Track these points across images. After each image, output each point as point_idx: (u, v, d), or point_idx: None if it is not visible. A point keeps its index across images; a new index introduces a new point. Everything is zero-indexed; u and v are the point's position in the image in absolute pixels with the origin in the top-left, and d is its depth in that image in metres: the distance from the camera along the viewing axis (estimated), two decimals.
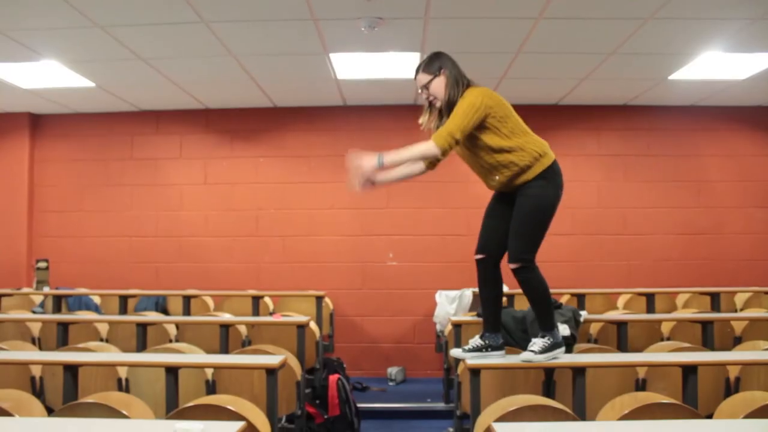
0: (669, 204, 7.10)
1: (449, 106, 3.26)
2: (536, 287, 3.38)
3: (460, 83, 3.29)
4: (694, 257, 7.06)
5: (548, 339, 3.31)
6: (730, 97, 6.67)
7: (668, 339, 4.78)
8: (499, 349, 3.41)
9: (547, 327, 3.35)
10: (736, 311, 5.97)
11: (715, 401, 3.38)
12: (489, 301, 3.49)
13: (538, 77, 6.08)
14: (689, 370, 3.33)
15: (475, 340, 3.43)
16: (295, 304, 6.11)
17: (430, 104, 3.39)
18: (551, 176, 3.35)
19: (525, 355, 3.32)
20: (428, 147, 3.18)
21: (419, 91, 3.37)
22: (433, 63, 3.32)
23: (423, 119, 3.46)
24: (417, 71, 3.36)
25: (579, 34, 4.93)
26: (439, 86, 3.30)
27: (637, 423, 2.69)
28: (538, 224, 3.32)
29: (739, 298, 6.12)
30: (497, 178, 3.35)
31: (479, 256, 3.42)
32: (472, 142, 3.30)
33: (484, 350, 3.39)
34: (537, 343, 3.31)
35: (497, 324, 3.45)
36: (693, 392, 3.30)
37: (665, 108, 7.08)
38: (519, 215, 3.33)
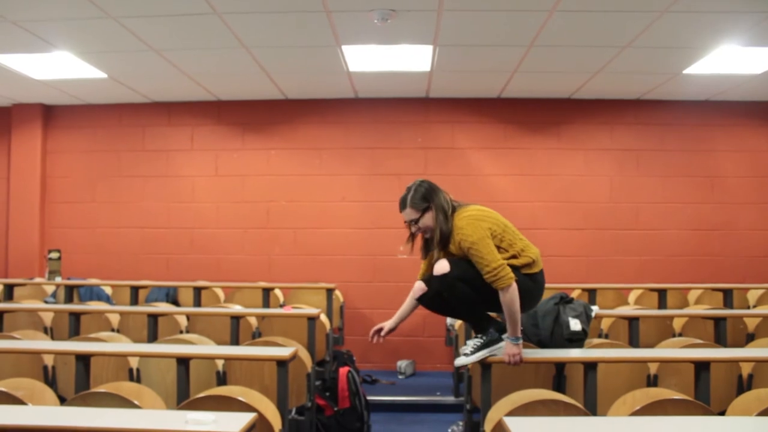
0: (682, 199, 7.05)
1: (442, 239, 3.29)
2: (461, 293, 3.30)
3: (447, 214, 3.29)
4: (706, 253, 7.01)
5: (480, 337, 3.31)
6: (746, 91, 6.61)
7: (680, 335, 4.76)
8: (498, 342, 3.31)
9: (478, 330, 3.35)
10: (749, 308, 5.93)
11: (727, 398, 3.37)
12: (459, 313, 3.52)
13: (551, 71, 6.04)
14: (702, 367, 3.31)
15: (473, 341, 3.36)
16: (305, 297, 6.12)
17: (412, 235, 3.44)
18: (533, 279, 3.33)
19: (458, 361, 3.36)
20: (510, 294, 3.15)
21: (405, 223, 3.39)
22: (420, 198, 3.31)
23: (405, 248, 3.53)
24: (404, 205, 3.36)
25: (593, 27, 4.88)
26: (428, 221, 3.32)
27: (648, 419, 2.67)
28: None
29: (752, 295, 6.08)
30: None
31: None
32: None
33: (484, 348, 3.31)
34: (469, 344, 3.33)
35: (483, 323, 3.38)
36: (705, 389, 3.28)
37: (679, 103, 7.01)
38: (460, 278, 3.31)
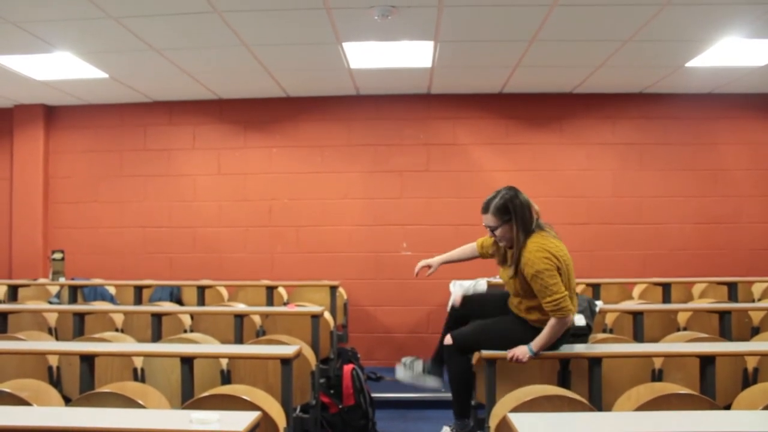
0: (685, 193, 7.03)
1: (518, 256, 3.29)
2: (455, 371, 3.55)
3: (527, 234, 3.28)
4: (710, 246, 6.99)
5: (452, 428, 3.47)
6: (749, 84, 6.58)
7: (684, 329, 4.74)
8: None
9: (456, 413, 3.52)
10: (753, 301, 5.91)
11: (733, 392, 3.36)
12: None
13: (553, 65, 6.01)
14: (707, 361, 3.31)
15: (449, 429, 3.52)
16: (309, 294, 6.11)
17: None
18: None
19: None
20: (562, 325, 3.25)
21: (484, 224, 3.39)
22: (502, 208, 3.28)
23: (493, 250, 3.62)
24: (486, 209, 3.34)
25: (594, 21, 4.86)
26: (506, 232, 3.31)
27: (654, 414, 2.67)
28: (501, 338, 3.41)
29: (757, 288, 6.06)
30: (530, 317, 3.40)
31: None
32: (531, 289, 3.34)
33: None
34: (446, 429, 3.49)
35: (466, 405, 3.57)
36: (711, 383, 3.27)
37: (682, 96, 6.99)
38: (503, 320, 3.48)
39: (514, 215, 3.25)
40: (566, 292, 3.19)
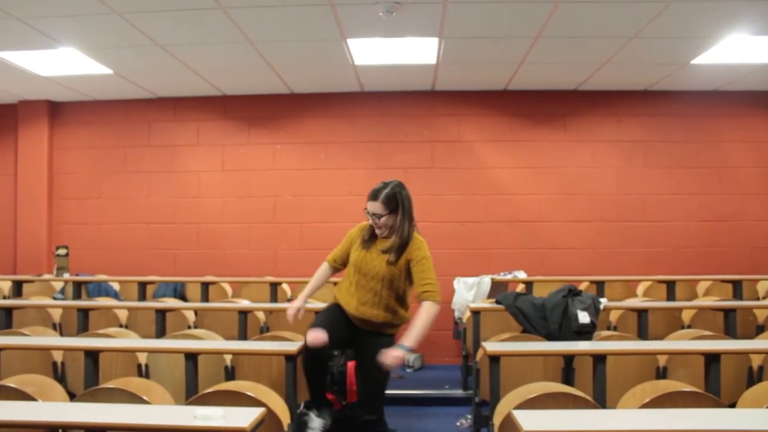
0: (690, 190, 7.01)
1: (402, 244, 3.37)
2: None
3: (412, 224, 3.42)
4: (715, 244, 6.97)
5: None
6: (755, 81, 6.55)
7: (689, 327, 4.74)
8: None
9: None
10: (758, 299, 5.90)
11: (737, 390, 3.35)
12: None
13: (558, 62, 6.00)
14: (712, 359, 3.30)
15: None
16: None
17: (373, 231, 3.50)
18: None
19: None
20: (433, 309, 3.29)
21: (366, 212, 3.43)
22: (393, 200, 3.39)
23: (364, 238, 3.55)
24: (375, 197, 3.40)
25: (600, 18, 4.85)
26: (390, 221, 3.40)
27: (658, 411, 2.66)
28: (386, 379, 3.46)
29: (762, 286, 6.05)
30: (383, 318, 3.44)
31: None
32: (398, 279, 3.40)
33: None
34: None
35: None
36: (715, 381, 3.27)
37: (687, 93, 6.96)
38: (374, 370, 3.37)
39: (401, 206, 3.37)
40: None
